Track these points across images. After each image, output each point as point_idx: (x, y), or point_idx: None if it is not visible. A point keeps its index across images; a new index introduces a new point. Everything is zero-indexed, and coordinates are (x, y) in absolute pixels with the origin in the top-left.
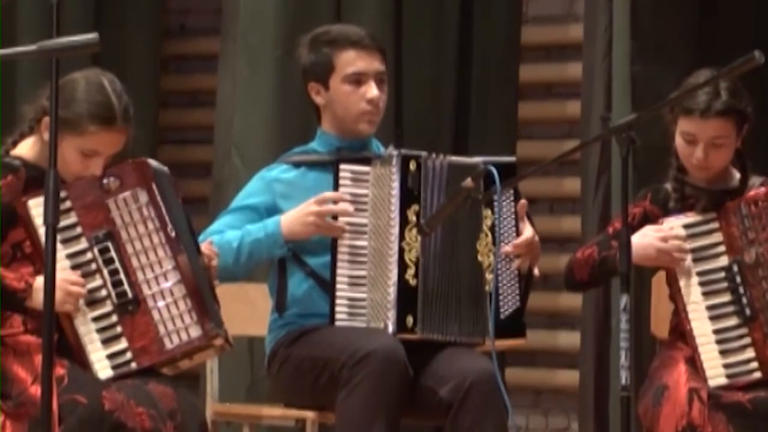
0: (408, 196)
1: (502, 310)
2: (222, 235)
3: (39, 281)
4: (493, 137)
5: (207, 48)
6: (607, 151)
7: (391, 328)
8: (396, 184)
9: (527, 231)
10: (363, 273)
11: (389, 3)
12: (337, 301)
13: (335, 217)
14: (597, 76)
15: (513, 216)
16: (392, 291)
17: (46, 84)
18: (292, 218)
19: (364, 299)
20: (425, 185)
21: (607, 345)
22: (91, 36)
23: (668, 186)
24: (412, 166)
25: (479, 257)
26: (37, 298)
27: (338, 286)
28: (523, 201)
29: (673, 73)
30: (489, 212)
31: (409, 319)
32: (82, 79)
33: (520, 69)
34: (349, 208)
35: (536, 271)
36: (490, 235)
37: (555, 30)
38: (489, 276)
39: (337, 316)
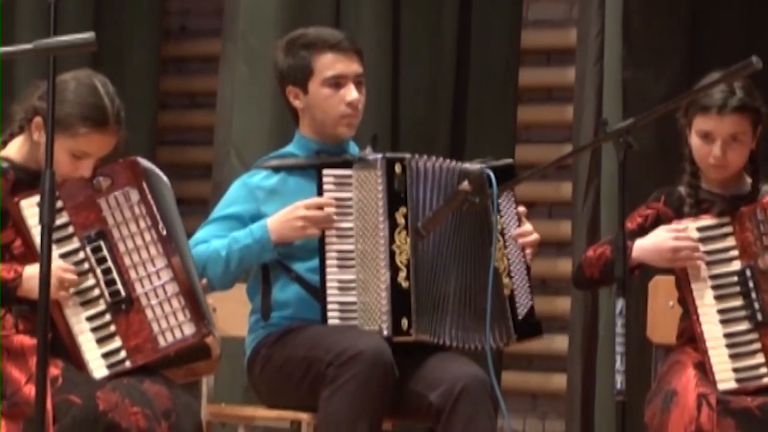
0: (395, 199)
1: (518, 311)
2: (208, 245)
3: (28, 270)
4: (492, 141)
5: (207, 49)
6: (597, 156)
7: (386, 332)
8: (382, 188)
9: (527, 225)
10: (352, 276)
11: (387, 5)
12: (329, 306)
13: None
14: (588, 81)
15: (515, 218)
16: (385, 295)
17: (37, 83)
18: (280, 222)
19: (355, 303)
20: (411, 187)
21: (595, 349)
22: (88, 35)
23: (682, 189)
24: (398, 168)
25: (496, 263)
26: (28, 285)
27: (328, 291)
28: (522, 208)
29: (664, 78)
30: (499, 217)
31: (404, 322)
32: (73, 81)
33: (519, 73)
34: (334, 215)
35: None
36: (502, 239)
37: (555, 34)
38: (506, 280)
39: (330, 322)
